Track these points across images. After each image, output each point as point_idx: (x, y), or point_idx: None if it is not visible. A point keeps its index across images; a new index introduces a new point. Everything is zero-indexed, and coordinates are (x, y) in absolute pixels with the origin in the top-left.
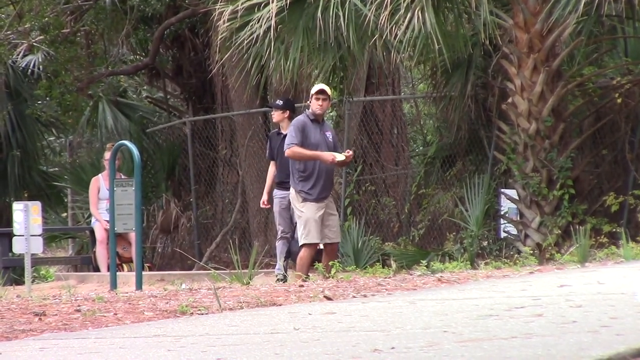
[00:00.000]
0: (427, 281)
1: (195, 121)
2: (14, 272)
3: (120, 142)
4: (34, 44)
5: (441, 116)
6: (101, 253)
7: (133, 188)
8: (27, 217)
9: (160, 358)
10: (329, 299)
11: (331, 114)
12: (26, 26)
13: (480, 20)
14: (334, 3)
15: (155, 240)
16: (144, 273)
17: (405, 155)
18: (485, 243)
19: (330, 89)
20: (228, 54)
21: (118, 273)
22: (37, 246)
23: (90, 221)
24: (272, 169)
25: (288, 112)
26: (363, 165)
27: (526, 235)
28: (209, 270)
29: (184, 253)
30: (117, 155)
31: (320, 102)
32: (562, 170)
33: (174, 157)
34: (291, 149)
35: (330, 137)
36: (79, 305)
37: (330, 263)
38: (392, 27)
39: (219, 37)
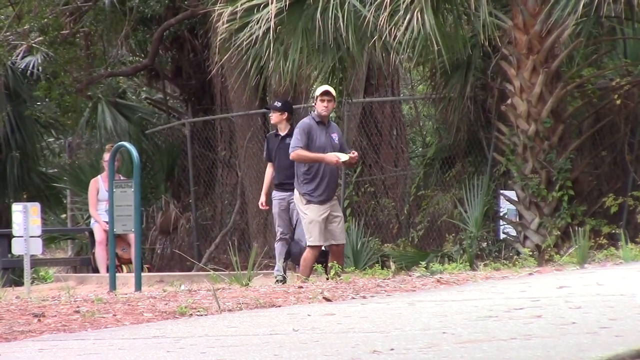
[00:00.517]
0: (426, 282)
1: (194, 122)
2: (13, 273)
3: (120, 143)
4: (33, 45)
5: (440, 117)
6: (100, 254)
7: (132, 189)
8: (26, 218)
9: (160, 359)
10: (328, 300)
11: (330, 115)
12: (25, 27)
13: (480, 22)
14: (333, 4)
15: (154, 242)
16: (143, 274)
17: (404, 157)
18: (484, 244)
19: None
20: (227, 55)
21: (117, 274)
22: (36, 247)
23: (90, 222)
24: (269, 171)
25: (286, 114)
26: (362, 167)
27: (525, 237)
28: (208, 271)
29: (183, 254)
30: (117, 157)
31: (325, 104)
32: (562, 172)
33: (173, 158)
34: (296, 152)
35: (337, 139)
36: (78, 307)
37: (330, 264)
38: (391, 28)
39: (218, 38)
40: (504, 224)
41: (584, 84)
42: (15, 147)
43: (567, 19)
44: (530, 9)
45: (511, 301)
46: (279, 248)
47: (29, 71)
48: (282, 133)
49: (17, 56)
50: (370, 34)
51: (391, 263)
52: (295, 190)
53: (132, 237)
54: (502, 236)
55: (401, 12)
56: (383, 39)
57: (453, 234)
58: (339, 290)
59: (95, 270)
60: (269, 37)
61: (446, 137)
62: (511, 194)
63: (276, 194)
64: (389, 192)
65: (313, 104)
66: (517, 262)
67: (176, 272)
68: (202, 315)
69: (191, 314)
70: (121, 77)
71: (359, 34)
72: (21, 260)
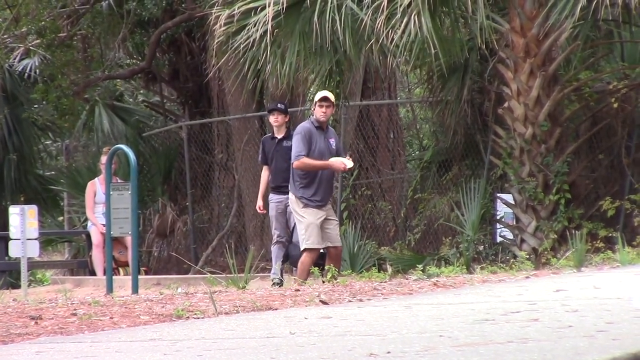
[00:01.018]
0: (423, 285)
1: (191, 125)
2: (10, 276)
3: (117, 146)
4: (31, 47)
5: (437, 120)
6: (97, 257)
7: (129, 192)
8: (23, 220)
9: None
10: (324, 303)
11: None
12: (23, 30)
13: (477, 25)
14: (330, 7)
15: (151, 244)
16: (140, 277)
17: (401, 160)
18: (481, 247)
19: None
20: (224, 58)
21: (114, 277)
22: (33, 250)
23: (87, 225)
24: (265, 174)
25: (287, 116)
26: (359, 170)
27: (522, 240)
28: (205, 274)
29: (180, 257)
30: (114, 159)
31: (324, 110)
32: (559, 175)
33: (170, 161)
34: (300, 160)
35: (334, 144)
36: (75, 309)
37: (326, 267)
38: (388, 32)
39: (216, 41)
40: (500, 227)
41: (581, 87)
42: (13, 149)
43: (565, 22)
44: (527, 12)
45: (508, 304)
46: (275, 251)
47: (26, 74)
48: (279, 136)
49: (15, 59)
50: (367, 37)
51: (388, 266)
52: (290, 193)
53: (129, 240)
54: (499, 239)
55: (398, 15)
56: (380, 42)
57: (450, 237)
58: (336, 293)
59: (92, 272)
60: (266, 40)
61: (443, 140)
62: (508, 197)
63: (273, 197)
64: (385, 195)
65: (312, 109)
66: (514, 266)
67: (173, 274)
68: (199, 318)
69: (188, 317)
70: (118, 80)
71: (356, 37)
72: (18, 262)
